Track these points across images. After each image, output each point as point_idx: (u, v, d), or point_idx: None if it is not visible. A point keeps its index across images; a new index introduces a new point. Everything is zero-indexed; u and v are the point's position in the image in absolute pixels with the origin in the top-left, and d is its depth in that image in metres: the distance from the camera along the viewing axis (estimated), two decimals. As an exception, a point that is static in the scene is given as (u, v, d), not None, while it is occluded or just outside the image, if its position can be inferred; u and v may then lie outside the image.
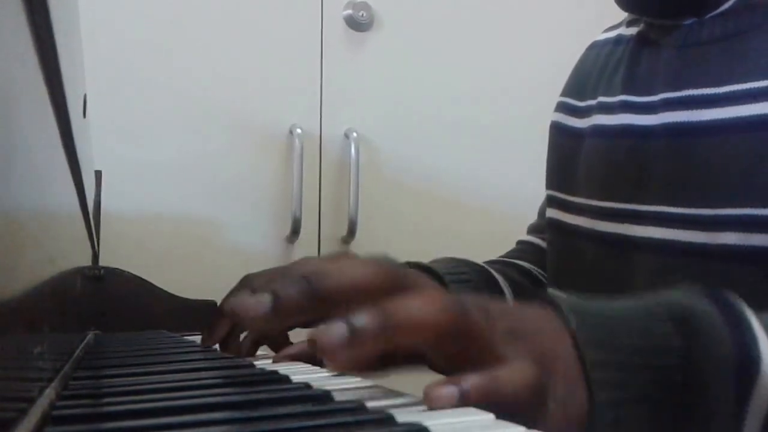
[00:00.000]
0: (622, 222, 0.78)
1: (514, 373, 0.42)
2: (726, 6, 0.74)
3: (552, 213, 0.91)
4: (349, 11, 1.87)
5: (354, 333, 0.39)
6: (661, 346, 0.47)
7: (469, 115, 1.97)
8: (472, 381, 0.41)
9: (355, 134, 1.84)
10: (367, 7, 1.88)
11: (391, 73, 1.92)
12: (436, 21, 1.96)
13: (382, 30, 1.92)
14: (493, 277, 0.94)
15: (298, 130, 1.80)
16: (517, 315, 0.47)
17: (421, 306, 0.41)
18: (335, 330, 0.40)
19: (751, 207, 0.66)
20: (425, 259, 0.95)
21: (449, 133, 1.96)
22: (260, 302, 0.44)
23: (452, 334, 0.42)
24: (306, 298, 0.44)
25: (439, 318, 0.41)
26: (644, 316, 0.48)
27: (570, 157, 0.88)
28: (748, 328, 0.48)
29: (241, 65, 1.80)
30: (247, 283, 0.69)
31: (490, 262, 1.01)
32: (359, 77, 1.90)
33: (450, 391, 0.40)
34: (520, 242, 1.10)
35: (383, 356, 0.49)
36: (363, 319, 0.40)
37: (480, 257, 1.01)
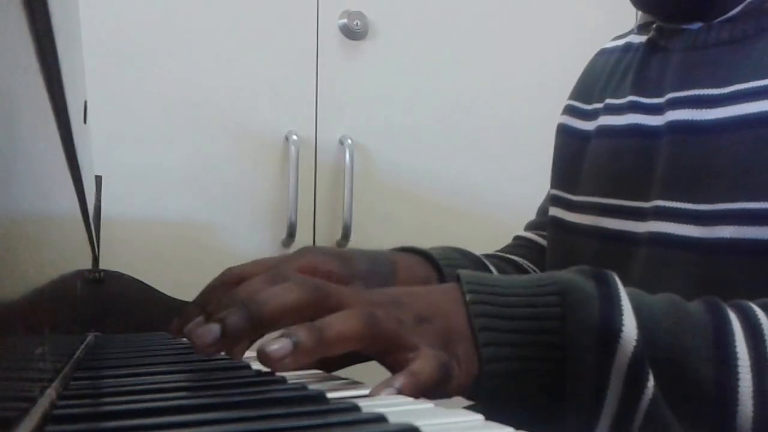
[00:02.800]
0: (625, 218, 0.80)
1: (425, 362, 0.51)
2: (734, 11, 0.76)
3: (554, 212, 0.92)
4: (344, 20, 1.88)
5: (294, 347, 0.48)
6: (542, 314, 0.55)
7: (461, 122, 1.97)
8: (399, 381, 0.49)
9: (349, 141, 1.85)
10: (361, 16, 1.89)
11: (386, 81, 1.93)
12: (429, 30, 1.96)
13: (376, 39, 1.92)
14: (489, 270, 0.94)
15: (294, 137, 1.80)
16: (424, 301, 0.56)
17: (341, 322, 0.51)
18: (278, 344, 0.48)
19: (747, 201, 0.67)
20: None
21: (442, 140, 1.96)
22: (210, 330, 0.51)
23: (369, 339, 0.52)
24: (247, 324, 0.52)
25: (355, 330, 0.51)
26: (534, 290, 0.57)
27: (575, 158, 0.89)
28: (617, 303, 0.55)
29: (239, 73, 1.80)
30: (228, 281, 0.75)
31: (486, 256, 1.01)
32: (354, 85, 1.90)
33: (388, 391, 0.49)
34: (517, 237, 1.10)
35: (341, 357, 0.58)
36: (298, 335, 0.49)
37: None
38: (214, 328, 0.51)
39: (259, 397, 0.41)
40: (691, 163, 0.73)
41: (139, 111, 1.72)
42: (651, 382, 0.53)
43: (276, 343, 0.48)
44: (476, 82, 1.99)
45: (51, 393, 0.42)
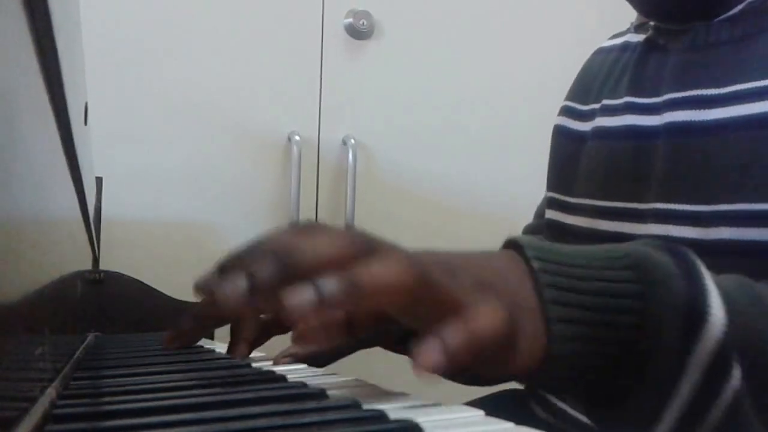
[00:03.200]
0: (623, 221, 0.79)
1: (485, 317, 0.43)
2: (735, 11, 0.75)
3: (551, 214, 0.91)
4: (350, 20, 1.87)
5: (322, 296, 0.40)
6: (618, 290, 0.48)
7: (464, 123, 1.97)
8: (451, 335, 0.41)
9: (352, 141, 1.84)
10: (367, 15, 1.88)
11: (390, 81, 1.93)
12: (434, 30, 1.96)
13: (381, 38, 1.92)
14: None
15: (297, 137, 1.80)
16: (481, 264, 0.48)
17: (385, 269, 0.42)
18: (304, 293, 0.40)
19: (746, 202, 0.66)
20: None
21: (445, 140, 1.96)
22: (236, 284, 0.43)
23: (417, 293, 0.42)
24: (279, 275, 0.43)
25: (402, 279, 0.42)
26: (605, 262, 0.50)
27: (571, 160, 0.88)
28: (702, 282, 0.49)
29: (241, 73, 1.80)
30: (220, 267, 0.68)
31: None
32: (358, 85, 1.90)
33: (435, 355, 0.41)
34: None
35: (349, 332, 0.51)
36: (330, 283, 0.40)
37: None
38: (241, 280, 0.43)
39: (259, 395, 0.41)
40: (689, 164, 0.72)
41: (140, 111, 1.72)
42: (738, 373, 0.48)
43: (297, 291, 0.40)
44: (480, 83, 1.99)
45: (51, 392, 0.42)
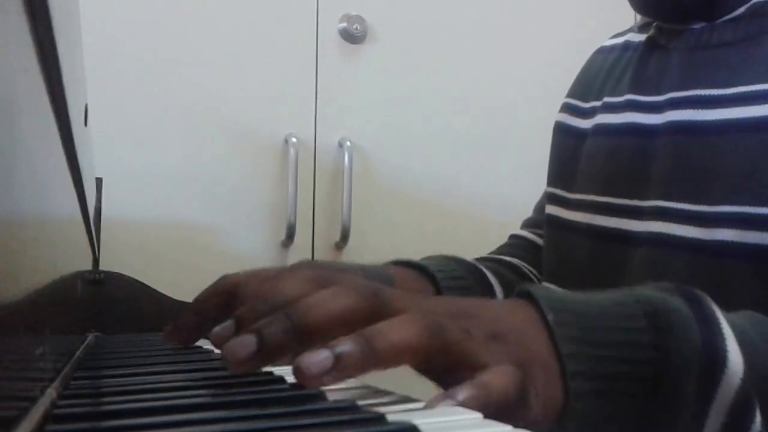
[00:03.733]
0: (621, 217, 0.78)
1: (498, 378, 0.43)
2: (738, 12, 0.74)
3: (550, 209, 0.91)
4: (344, 24, 1.88)
5: (337, 362, 0.40)
6: (635, 341, 0.47)
7: (459, 125, 1.97)
8: (465, 394, 0.41)
9: (348, 143, 1.85)
10: (361, 20, 1.89)
11: (384, 84, 1.93)
12: (428, 34, 1.96)
13: (375, 43, 1.92)
14: (486, 276, 0.94)
15: (294, 139, 1.80)
16: (495, 316, 0.48)
17: (399, 331, 0.42)
18: (318, 359, 0.40)
19: (749, 205, 0.66)
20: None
21: (440, 142, 1.96)
22: (245, 344, 0.43)
23: (431, 354, 0.43)
24: (290, 337, 0.43)
25: (417, 341, 0.42)
26: (619, 311, 0.49)
27: (572, 156, 0.88)
28: (718, 326, 0.48)
29: (239, 76, 1.80)
30: (223, 289, 0.68)
31: (482, 260, 1.01)
32: (353, 88, 1.90)
33: (448, 403, 0.41)
34: (512, 236, 1.09)
35: None
36: (345, 348, 0.40)
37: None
38: (249, 341, 0.43)
39: (258, 396, 0.41)
40: (693, 163, 0.72)
41: (139, 113, 1.72)
42: (758, 418, 0.47)
43: (313, 355, 0.40)
44: (474, 85, 1.99)
45: (51, 392, 0.42)
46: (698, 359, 0.47)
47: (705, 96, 0.73)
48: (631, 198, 0.78)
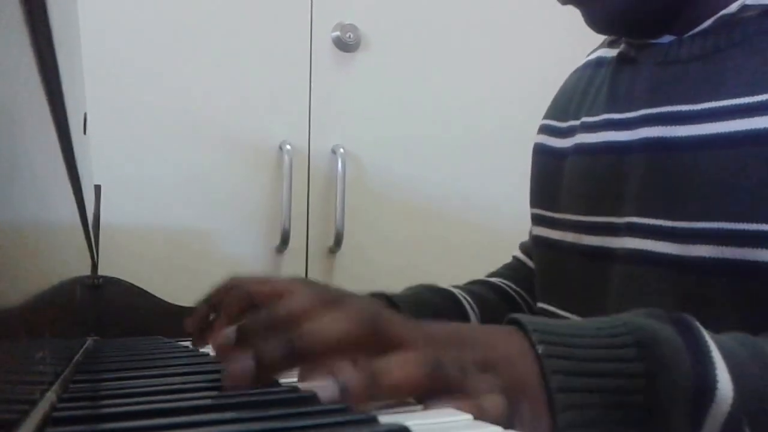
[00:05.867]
0: (601, 234, 0.77)
1: (485, 408, 0.43)
2: (705, 25, 0.73)
3: (538, 231, 0.90)
4: (337, 33, 1.88)
5: (342, 392, 0.41)
6: (624, 370, 0.47)
7: (451, 132, 1.97)
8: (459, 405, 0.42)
9: (342, 150, 1.85)
10: (354, 29, 1.89)
11: (377, 92, 1.93)
12: (420, 42, 1.96)
13: (368, 51, 1.92)
14: (458, 299, 0.94)
15: (288, 146, 1.80)
16: (488, 344, 0.49)
17: (402, 368, 0.43)
18: (327, 390, 0.42)
19: (725, 221, 0.64)
20: (407, 268, 0.95)
21: (433, 149, 1.96)
22: (244, 367, 0.45)
23: (429, 387, 0.43)
24: (288, 359, 0.45)
25: (418, 379, 0.43)
26: (610, 341, 0.49)
27: (553, 176, 0.87)
28: (708, 354, 0.49)
29: (234, 84, 1.80)
30: (232, 288, 0.71)
31: (469, 282, 1.01)
32: (346, 96, 1.90)
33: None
34: (514, 257, 1.09)
35: None
36: (349, 380, 0.42)
37: (462, 268, 1.00)
38: (248, 363, 0.45)
39: (251, 398, 0.41)
40: (666, 180, 0.70)
41: (137, 122, 1.72)
42: None
43: (321, 387, 0.42)
44: (467, 93, 1.99)
45: (51, 396, 0.42)
46: (688, 389, 0.47)
47: (675, 112, 0.71)
48: (609, 215, 0.77)
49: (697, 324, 0.51)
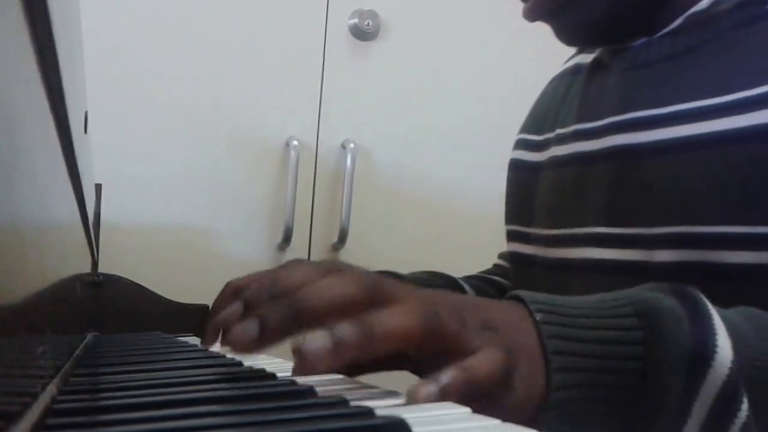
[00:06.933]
0: (562, 246, 0.77)
1: (483, 359, 0.44)
2: (675, 24, 0.71)
3: (513, 246, 0.89)
4: (355, 20, 1.82)
5: (336, 344, 0.41)
6: (621, 338, 0.48)
7: (466, 127, 1.92)
8: (449, 376, 0.42)
9: (352, 145, 1.81)
10: (374, 15, 1.83)
11: (394, 83, 1.88)
12: (442, 32, 1.90)
13: (387, 40, 1.86)
14: (464, 289, 0.94)
15: (295, 142, 1.77)
16: (488, 309, 0.49)
17: (397, 317, 0.43)
18: (318, 341, 0.42)
19: (686, 225, 0.64)
20: (412, 266, 0.95)
21: (447, 144, 1.91)
22: (247, 329, 0.45)
23: (426, 339, 0.44)
24: (290, 321, 0.45)
25: (413, 327, 0.43)
26: (610, 311, 0.50)
27: (528, 191, 0.86)
28: (709, 321, 0.49)
29: (240, 77, 1.77)
30: (231, 291, 0.71)
31: (469, 277, 1.01)
32: (360, 87, 1.85)
33: (430, 388, 0.42)
34: (495, 265, 1.08)
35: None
36: (343, 331, 0.42)
37: (468, 265, 1.00)
38: (252, 327, 0.45)
39: (249, 391, 0.42)
40: (630, 188, 0.69)
41: (139, 117, 1.70)
42: (744, 409, 0.48)
43: (313, 338, 0.42)
44: (486, 87, 1.93)
45: (52, 388, 0.42)
46: (685, 354, 0.48)
47: (641, 118, 0.70)
48: (570, 227, 0.76)
49: (701, 295, 0.51)
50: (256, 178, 1.79)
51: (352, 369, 0.59)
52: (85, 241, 0.91)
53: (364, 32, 1.83)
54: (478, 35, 1.94)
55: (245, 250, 1.78)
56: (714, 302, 0.52)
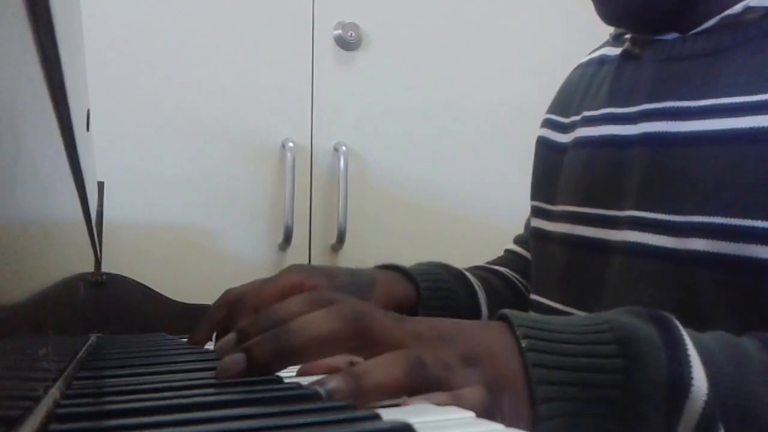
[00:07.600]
0: (598, 227, 0.78)
1: (466, 402, 0.45)
2: (709, 24, 0.74)
3: (535, 222, 0.92)
4: (339, 31, 1.88)
5: (328, 396, 0.42)
6: (603, 366, 0.49)
7: (452, 129, 1.98)
8: (440, 399, 0.44)
9: (344, 148, 1.85)
10: (355, 27, 1.89)
11: (379, 90, 1.93)
12: (421, 40, 1.97)
13: (369, 49, 1.93)
14: (469, 281, 0.94)
15: (290, 144, 1.81)
16: (472, 339, 0.50)
17: (385, 372, 0.45)
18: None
19: (721, 216, 0.65)
20: (411, 263, 0.95)
21: (433, 146, 1.96)
22: (236, 362, 0.47)
23: (411, 387, 0.45)
24: (276, 358, 0.47)
25: (399, 378, 0.45)
26: (591, 337, 0.51)
27: (554, 170, 0.88)
28: (684, 353, 0.50)
29: (237, 82, 1.81)
30: (227, 300, 0.75)
31: (473, 268, 1.02)
32: (348, 94, 1.90)
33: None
34: (506, 251, 1.11)
35: None
36: (332, 385, 0.43)
37: (464, 265, 1.01)
38: (239, 359, 0.47)
39: (255, 395, 0.41)
40: (665, 174, 0.71)
41: (140, 119, 1.72)
42: None
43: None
44: (468, 90, 1.99)
45: (54, 392, 0.42)
46: (663, 385, 0.49)
47: (677, 108, 0.72)
48: (608, 208, 0.78)
49: (677, 323, 0.53)
50: (255, 178, 1.82)
51: None
52: (88, 240, 0.91)
53: (347, 42, 1.90)
54: (457, 44, 2.00)
55: (247, 250, 1.78)
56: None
